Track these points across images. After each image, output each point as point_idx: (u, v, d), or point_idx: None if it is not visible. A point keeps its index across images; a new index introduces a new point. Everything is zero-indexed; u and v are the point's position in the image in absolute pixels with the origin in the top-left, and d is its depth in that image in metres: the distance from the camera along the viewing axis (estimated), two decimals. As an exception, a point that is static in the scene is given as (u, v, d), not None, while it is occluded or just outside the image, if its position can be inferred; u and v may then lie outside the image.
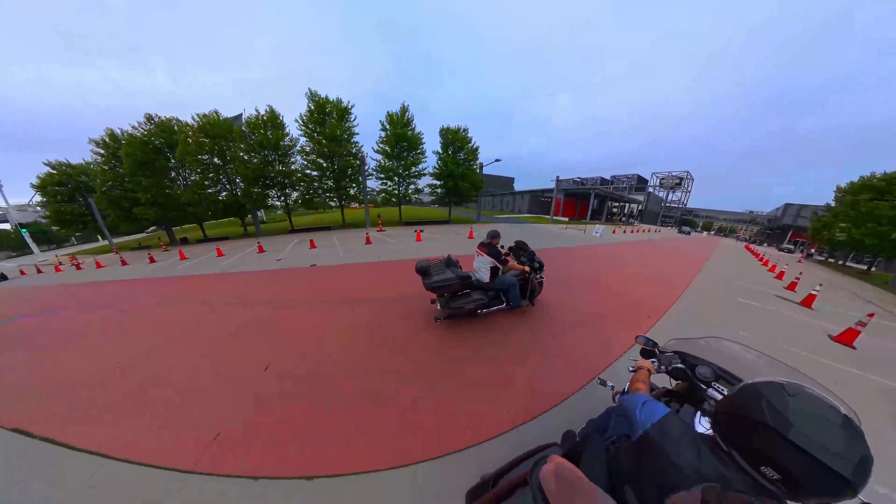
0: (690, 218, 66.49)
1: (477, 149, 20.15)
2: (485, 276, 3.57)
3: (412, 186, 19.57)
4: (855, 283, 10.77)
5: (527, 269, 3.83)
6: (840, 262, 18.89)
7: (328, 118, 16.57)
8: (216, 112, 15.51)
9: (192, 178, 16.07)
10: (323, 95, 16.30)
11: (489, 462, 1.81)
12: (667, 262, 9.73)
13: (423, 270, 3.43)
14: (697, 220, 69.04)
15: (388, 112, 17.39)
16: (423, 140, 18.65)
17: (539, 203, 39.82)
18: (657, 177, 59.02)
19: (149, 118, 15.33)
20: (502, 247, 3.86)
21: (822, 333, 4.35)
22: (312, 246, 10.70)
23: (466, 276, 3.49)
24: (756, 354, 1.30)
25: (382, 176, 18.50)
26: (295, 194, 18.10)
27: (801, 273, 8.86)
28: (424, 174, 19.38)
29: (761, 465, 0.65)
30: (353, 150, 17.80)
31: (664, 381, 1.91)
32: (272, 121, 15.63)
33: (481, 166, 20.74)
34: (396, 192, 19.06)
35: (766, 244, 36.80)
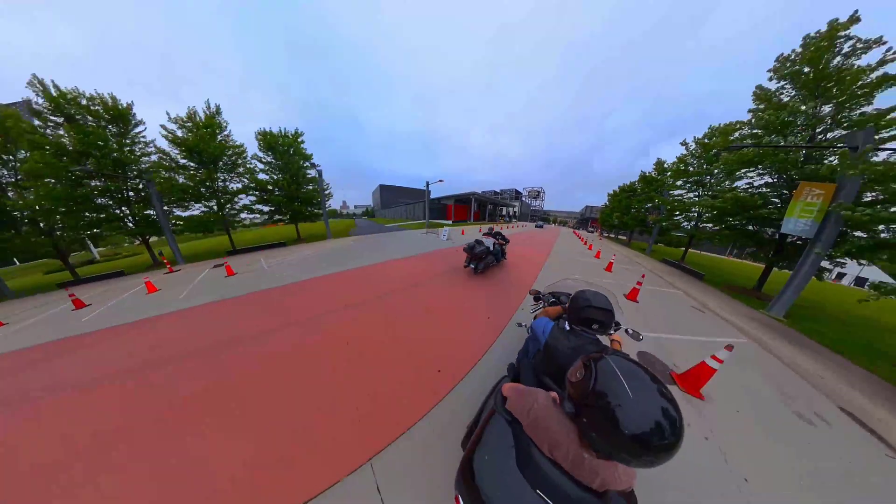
0: (547, 216, 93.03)
1: (311, 156, 16.28)
2: (491, 247, 6.60)
3: (231, 207, 14.33)
4: (624, 249, 17.81)
5: (502, 242, 7.42)
6: (614, 237, 31.50)
7: (93, 123, 10.53)
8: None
9: None
10: (66, 87, 9.91)
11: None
12: (538, 241, 15.60)
13: (470, 247, 6.28)
14: (550, 216, 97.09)
15: (167, 113, 12.00)
16: (244, 151, 13.87)
17: (436, 209, 43.28)
18: (526, 190, 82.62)
19: None
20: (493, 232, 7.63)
21: (601, 268, 8.31)
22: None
23: (488, 247, 6.46)
24: (580, 282, 2.29)
25: (175, 197, 12.31)
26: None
27: (593, 243, 16.14)
28: (244, 192, 14.52)
29: (591, 325, 1.31)
30: (140, 168, 11.49)
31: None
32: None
33: (320, 174, 16.80)
34: (216, 215, 13.72)
35: (580, 229, 55.78)
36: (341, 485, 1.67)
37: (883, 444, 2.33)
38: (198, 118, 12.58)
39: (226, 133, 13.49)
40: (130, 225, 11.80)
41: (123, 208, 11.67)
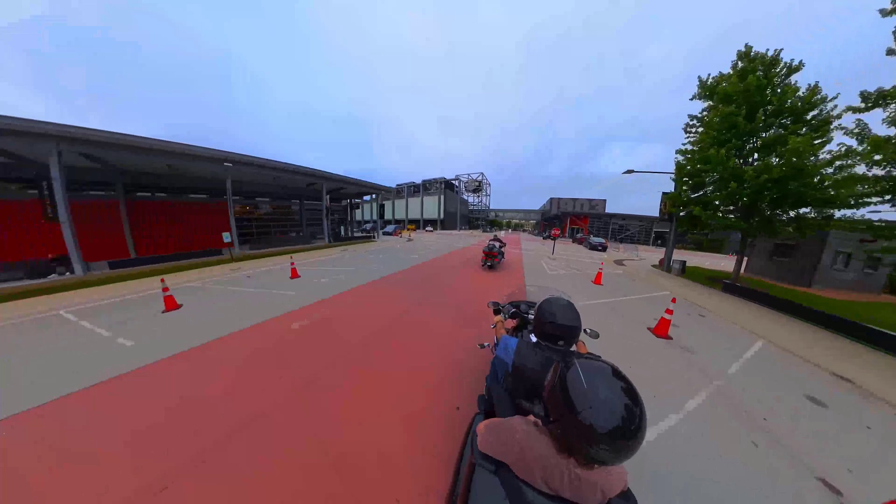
0: (495, 218, 73.02)
1: None
2: (498, 249, 10.05)
3: None
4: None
5: (504, 243, 11.93)
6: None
7: None
8: None
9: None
10: None
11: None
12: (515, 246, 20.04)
13: (490, 245, 9.76)
14: (499, 218, 77.49)
15: None
16: None
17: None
18: (460, 180, 55.52)
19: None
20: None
21: (587, 279, 8.98)
22: None
23: (500, 249, 10.26)
24: (542, 288, 2.63)
25: None
26: None
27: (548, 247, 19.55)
28: None
29: (557, 341, 1.22)
30: None
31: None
32: None
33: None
34: None
35: (541, 237, 35.77)
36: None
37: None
38: None
39: None
40: None
41: None
